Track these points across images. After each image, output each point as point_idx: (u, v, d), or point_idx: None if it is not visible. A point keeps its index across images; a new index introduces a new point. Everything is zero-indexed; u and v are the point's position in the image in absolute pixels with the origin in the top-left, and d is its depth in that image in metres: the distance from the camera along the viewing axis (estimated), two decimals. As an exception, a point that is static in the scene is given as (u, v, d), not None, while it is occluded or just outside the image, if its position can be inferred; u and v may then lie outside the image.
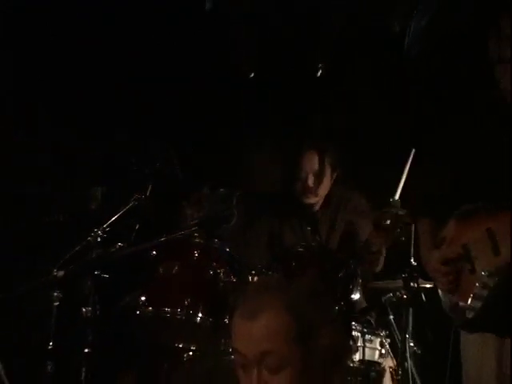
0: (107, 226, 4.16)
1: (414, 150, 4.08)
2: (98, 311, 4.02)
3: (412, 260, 4.02)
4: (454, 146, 3.42)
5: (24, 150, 5.35)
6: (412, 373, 4.10)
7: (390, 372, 4.08)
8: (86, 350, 3.96)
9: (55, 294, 4.08)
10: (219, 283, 3.92)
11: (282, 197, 4.81)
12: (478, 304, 3.08)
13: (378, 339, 4.16)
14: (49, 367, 4.01)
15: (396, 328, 4.20)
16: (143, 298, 3.96)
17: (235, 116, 5.70)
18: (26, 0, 5.69)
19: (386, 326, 4.27)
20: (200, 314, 3.87)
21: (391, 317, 4.27)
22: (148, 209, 4.26)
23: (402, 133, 4.70)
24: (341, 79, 5.34)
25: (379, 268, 4.48)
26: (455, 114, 3.65)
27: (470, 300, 3.09)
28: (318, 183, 4.61)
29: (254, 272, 3.88)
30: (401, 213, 4.00)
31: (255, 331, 1.98)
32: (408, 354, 3.99)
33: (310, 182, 4.59)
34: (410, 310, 4.03)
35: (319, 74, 5.02)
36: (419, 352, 4.32)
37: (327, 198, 4.68)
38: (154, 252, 4.10)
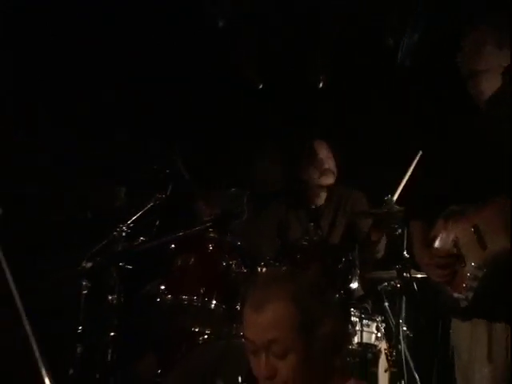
0: (131, 223, 4.15)
1: (420, 153, 4.06)
2: (123, 299, 4.01)
3: (405, 253, 4.01)
4: (440, 155, 3.41)
5: (62, 156, 5.12)
6: (405, 354, 4.10)
7: (385, 353, 4.05)
8: (112, 334, 3.96)
9: (84, 283, 4.07)
10: (231, 274, 3.93)
11: (288, 195, 4.74)
12: (470, 294, 3.05)
13: (374, 324, 4.14)
14: (78, 349, 3.99)
15: (390, 314, 4.20)
16: (163, 287, 3.98)
17: (242, 118, 5.54)
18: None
19: (382, 312, 4.25)
20: (214, 302, 3.87)
21: (386, 304, 4.25)
22: (167, 207, 4.23)
23: (400, 136, 4.63)
24: (341, 84, 5.26)
25: (380, 255, 4.47)
26: (442, 122, 3.61)
27: (463, 291, 3.06)
28: (332, 165, 4.60)
29: (262, 263, 3.86)
30: (396, 210, 3.99)
31: (262, 321, 2.01)
32: (401, 338, 4.02)
33: (327, 164, 4.58)
34: (403, 297, 4.06)
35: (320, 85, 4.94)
36: (411, 335, 4.31)
37: (329, 195, 4.63)
38: (173, 245, 4.11)
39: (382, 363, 4.04)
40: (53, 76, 5.39)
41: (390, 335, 4.09)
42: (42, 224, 4.70)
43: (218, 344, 3.78)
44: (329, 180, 4.59)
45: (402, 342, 4.03)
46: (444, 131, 3.51)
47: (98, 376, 3.97)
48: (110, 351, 3.93)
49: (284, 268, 3.79)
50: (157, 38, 5.62)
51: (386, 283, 4.26)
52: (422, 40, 4.44)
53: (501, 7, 3.70)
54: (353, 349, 3.87)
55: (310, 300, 2.02)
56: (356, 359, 3.87)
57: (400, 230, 4.04)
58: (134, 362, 4.07)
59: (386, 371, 4.02)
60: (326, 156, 4.59)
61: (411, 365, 4.22)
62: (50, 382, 2.43)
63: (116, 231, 4.10)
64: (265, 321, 1.99)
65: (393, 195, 4.12)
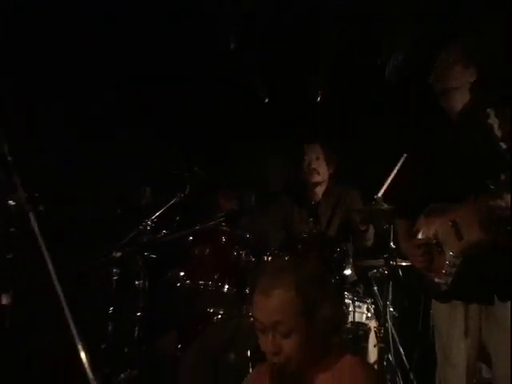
0: (155, 218, 4.15)
1: (404, 156, 4.04)
2: (147, 284, 4.05)
3: (391, 244, 3.99)
4: (420, 161, 3.41)
5: (98, 160, 4.99)
6: (391, 332, 4.12)
7: (374, 331, 4.03)
8: (138, 314, 4.00)
9: (114, 270, 4.09)
10: (241, 262, 3.93)
11: (292, 194, 4.68)
12: (449, 279, 3.07)
13: (365, 305, 4.14)
14: (109, 327, 3.99)
15: (379, 296, 4.19)
16: (182, 274, 3.98)
17: (246, 126, 5.36)
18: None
19: (371, 295, 4.24)
20: (226, 286, 3.87)
21: (375, 288, 4.24)
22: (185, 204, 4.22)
23: (390, 142, 4.57)
24: (339, 96, 5.16)
25: (370, 242, 4.43)
26: (423, 132, 3.60)
27: (442, 277, 3.08)
28: (319, 165, 4.51)
29: (268, 253, 3.84)
30: (383, 208, 4.00)
31: (270, 305, 2.02)
32: (388, 317, 4.00)
33: (314, 164, 4.51)
34: (390, 282, 4.02)
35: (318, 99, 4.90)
36: (397, 315, 4.29)
37: (327, 194, 4.58)
38: (191, 238, 4.09)
39: (372, 339, 4.02)
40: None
41: (378, 315, 4.08)
42: (80, 219, 4.68)
43: (229, 323, 3.77)
44: (314, 178, 4.53)
45: (389, 321, 4.03)
46: (424, 140, 3.49)
47: (126, 350, 3.99)
48: (136, 329, 3.97)
49: (287, 258, 3.78)
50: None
51: (375, 270, 4.24)
52: (406, 60, 4.38)
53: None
54: (346, 327, 3.85)
55: (310, 288, 2.03)
56: (349, 336, 3.85)
57: (387, 225, 4.02)
58: (158, 338, 4.06)
59: (375, 346, 3.99)
60: (313, 158, 4.51)
61: (397, 340, 4.22)
62: (86, 354, 2.41)
63: (142, 225, 4.11)
64: (272, 305, 2.01)
65: (380, 194, 4.09)
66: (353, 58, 4.90)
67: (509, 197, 2.87)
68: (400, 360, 4.21)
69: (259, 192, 4.72)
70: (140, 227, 4.10)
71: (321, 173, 4.51)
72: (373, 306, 4.14)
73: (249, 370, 3.27)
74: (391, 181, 4.09)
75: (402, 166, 3.89)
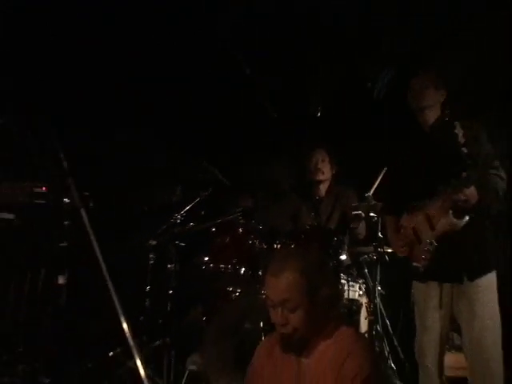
0: (184, 212, 4.16)
1: (385, 169, 4.04)
2: (178, 267, 4.06)
3: (379, 234, 3.99)
4: (402, 166, 3.43)
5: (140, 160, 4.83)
6: (379, 306, 4.10)
7: (365, 306, 4.06)
8: (170, 292, 4.01)
9: (151, 255, 4.14)
10: (255, 249, 3.89)
11: (299, 192, 4.63)
12: (425, 263, 3.11)
13: (357, 285, 4.11)
14: (147, 302, 4.05)
15: (369, 277, 4.15)
16: (206, 259, 3.95)
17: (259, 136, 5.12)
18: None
19: (363, 276, 4.21)
20: (243, 269, 3.85)
21: (366, 270, 4.21)
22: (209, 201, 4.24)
23: (380, 149, 4.48)
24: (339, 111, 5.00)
25: (362, 235, 4.38)
26: (404, 140, 3.58)
27: (421, 261, 3.13)
28: (323, 166, 4.47)
29: (277, 242, 3.82)
30: (373, 204, 4.00)
31: (279, 285, 2.02)
32: (377, 295, 4.01)
33: (319, 164, 4.47)
34: (378, 266, 4.02)
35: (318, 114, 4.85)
36: (384, 293, 4.25)
37: (329, 192, 4.53)
38: (213, 229, 4.06)
39: (363, 313, 4.03)
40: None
41: (368, 293, 4.07)
42: (125, 213, 4.67)
43: (245, 299, 3.75)
44: (319, 177, 4.48)
45: (377, 297, 4.02)
46: (404, 148, 3.49)
47: (160, 322, 4.00)
48: (169, 304, 3.99)
49: (293, 246, 3.74)
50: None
51: (365, 256, 4.21)
52: (391, 82, 4.33)
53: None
54: (342, 303, 3.83)
55: (313, 271, 2.03)
56: (345, 310, 3.84)
57: (376, 218, 4.02)
58: (186, 312, 4.05)
59: (365, 318, 4.02)
60: (319, 159, 4.47)
61: (384, 313, 4.19)
62: (127, 325, 2.42)
63: (173, 218, 4.12)
64: (281, 285, 2.01)
65: (371, 193, 4.08)
66: (348, 79, 4.82)
67: (467, 191, 2.93)
68: (386, 329, 4.19)
69: (270, 191, 4.69)
70: (172, 220, 4.11)
71: (325, 172, 4.47)
72: (364, 286, 4.12)
73: (261, 338, 3.27)
74: (379, 182, 4.09)
75: (387, 171, 3.87)
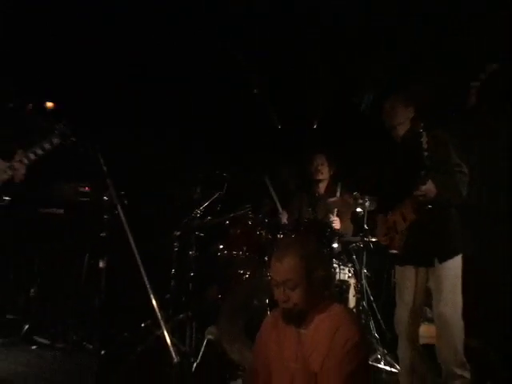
0: (202, 208, 4.15)
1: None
2: (198, 253, 4.06)
3: (365, 225, 3.99)
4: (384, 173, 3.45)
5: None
6: (365, 286, 4.08)
7: (353, 286, 4.03)
8: (192, 274, 4.01)
9: (175, 244, 4.13)
10: (262, 238, 3.89)
11: (303, 189, 4.60)
12: (401, 250, 3.14)
13: (347, 268, 4.10)
14: (172, 283, 4.05)
15: (357, 262, 4.10)
16: (221, 246, 3.95)
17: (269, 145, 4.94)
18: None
19: (351, 261, 4.17)
20: (252, 255, 3.86)
21: (354, 256, 4.16)
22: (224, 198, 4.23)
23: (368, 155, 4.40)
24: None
25: (349, 235, 4.36)
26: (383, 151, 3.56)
27: (398, 249, 3.16)
28: (323, 168, 4.43)
29: (281, 233, 3.83)
30: (359, 201, 4.00)
31: (282, 268, 2.02)
32: (363, 276, 4.00)
33: (319, 167, 4.43)
34: (364, 252, 4.01)
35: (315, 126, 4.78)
36: (369, 275, 4.24)
37: (327, 190, 4.47)
38: (227, 222, 4.06)
39: (351, 292, 4.01)
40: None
41: (356, 275, 4.05)
42: (153, 208, 4.66)
43: (254, 280, 3.74)
44: (319, 176, 4.44)
45: (363, 279, 4.00)
46: (383, 156, 3.49)
47: (183, 299, 4.00)
48: (190, 284, 3.99)
49: (294, 236, 3.75)
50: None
51: (354, 244, 4.17)
52: (376, 99, 4.27)
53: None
54: (334, 283, 3.84)
55: (310, 257, 2.03)
56: (336, 289, 3.84)
57: (362, 213, 4.01)
58: (205, 291, 4.04)
59: (353, 296, 4.00)
60: (319, 163, 4.44)
61: (369, 292, 4.17)
62: (156, 301, 2.43)
63: (194, 213, 4.11)
64: (283, 268, 2.01)
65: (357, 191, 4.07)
66: (340, 99, 4.71)
67: (423, 187, 2.96)
68: (370, 305, 4.16)
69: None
70: (193, 214, 4.11)
71: (323, 173, 4.44)
72: (352, 269, 4.10)
73: (267, 313, 3.26)
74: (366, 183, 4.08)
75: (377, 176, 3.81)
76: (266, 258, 3.72)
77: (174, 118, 4.79)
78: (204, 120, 4.85)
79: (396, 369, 3.62)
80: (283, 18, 4.27)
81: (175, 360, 2.26)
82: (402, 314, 3.18)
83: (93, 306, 2.44)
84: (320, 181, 4.46)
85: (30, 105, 4.79)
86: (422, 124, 3.10)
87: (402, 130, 3.24)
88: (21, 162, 2.97)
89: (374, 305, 4.21)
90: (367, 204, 3.96)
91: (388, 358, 3.78)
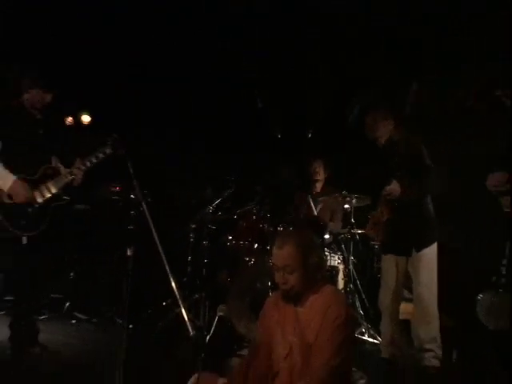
0: (214, 205, 4.12)
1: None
2: (210, 243, 4.03)
3: (352, 220, 3.95)
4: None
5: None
6: (352, 271, 4.05)
7: (342, 271, 4.01)
8: (205, 261, 3.98)
9: (191, 235, 4.11)
10: (265, 230, 3.85)
11: (301, 191, 4.50)
12: (381, 238, 3.18)
13: (336, 256, 4.08)
14: (188, 268, 4.03)
15: (345, 250, 4.07)
16: (230, 237, 3.92)
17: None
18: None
19: (340, 250, 4.15)
20: (256, 244, 3.82)
21: (343, 245, 4.13)
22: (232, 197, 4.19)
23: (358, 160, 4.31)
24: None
25: (337, 230, 4.29)
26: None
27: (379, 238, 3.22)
28: (319, 170, 4.39)
29: (280, 225, 3.79)
30: (347, 198, 3.96)
31: (282, 255, 1.99)
32: (350, 262, 3.97)
33: (317, 169, 4.38)
34: (351, 242, 3.98)
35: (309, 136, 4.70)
36: (355, 261, 4.21)
37: (322, 190, 4.41)
38: (235, 216, 4.04)
39: (341, 275, 3.99)
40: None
41: (344, 262, 4.02)
42: (173, 205, 4.60)
43: (258, 266, 3.71)
44: (316, 177, 4.41)
45: (351, 265, 3.97)
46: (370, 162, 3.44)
47: (198, 282, 3.97)
48: (204, 269, 3.96)
49: (291, 228, 3.73)
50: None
51: (342, 235, 4.16)
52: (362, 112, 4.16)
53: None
54: (326, 268, 3.80)
55: (306, 245, 2.01)
56: (328, 273, 3.82)
57: (350, 209, 3.97)
58: (216, 274, 4.00)
59: (342, 279, 3.97)
60: (317, 166, 4.40)
61: (355, 276, 4.14)
62: (175, 284, 2.41)
63: (207, 209, 4.09)
64: (283, 255, 1.98)
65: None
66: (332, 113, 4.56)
67: (388, 187, 2.99)
68: (356, 287, 4.14)
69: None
70: (206, 210, 4.08)
71: (320, 174, 4.40)
72: (341, 256, 4.07)
73: (269, 294, 3.24)
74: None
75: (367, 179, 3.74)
76: (268, 247, 3.70)
77: (191, 125, 4.65)
78: (216, 128, 4.76)
79: (378, 340, 3.61)
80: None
81: (191, 333, 2.24)
82: (385, 295, 3.18)
83: (122, 287, 2.41)
84: (317, 181, 4.43)
85: (70, 118, 4.81)
86: (399, 133, 3.08)
87: (383, 139, 3.21)
88: (79, 168, 3.04)
89: (360, 286, 4.19)
90: (354, 201, 3.93)
91: (371, 332, 3.77)
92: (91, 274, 4.35)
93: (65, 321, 3.87)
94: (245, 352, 3.10)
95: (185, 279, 3.98)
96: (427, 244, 3.04)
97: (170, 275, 2.43)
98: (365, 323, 3.85)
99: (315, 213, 4.13)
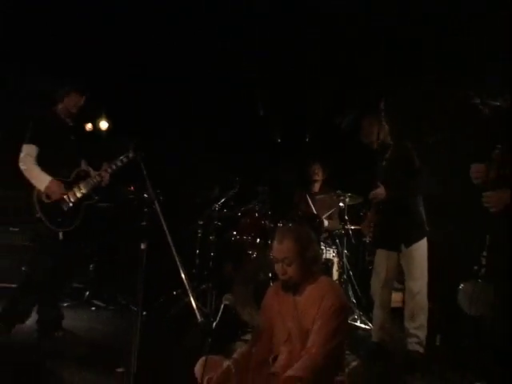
0: (220, 203, 4.10)
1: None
2: (216, 238, 4.02)
3: (346, 217, 3.96)
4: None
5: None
6: (346, 263, 4.05)
7: (337, 263, 4.00)
8: (212, 254, 3.97)
9: (199, 230, 4.10)
10: (266, 226, 3.85)
11: (301, 190, 4.48)
12: (371, 234, 3.14)
13: (331, 249, 4.07)
14: (197, 261, 4.01)
15: (339, 245, 4.07)
16: (234, 233, 3.91)
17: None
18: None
19: (335, 244, 4.14)
20: (258, 239, 3.81)
21: (337, 240, 4.12)
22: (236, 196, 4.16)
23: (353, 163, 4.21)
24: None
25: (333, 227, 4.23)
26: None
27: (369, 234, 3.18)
28: (318, 172, 4.36)
29: (280, 222, 3.77)
30: (342, 197, 3.96)
31: (281, 248, 1.99)
32: (344, 256, 3.95)
33: (316, 170, 4.35)
34: (345, 237, 3.98)
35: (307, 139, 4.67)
36: (348, 255, 4.21)
37: (321, 189, 4.38)
38: (239, 214, 4.02)
39: (335, 267, 3.98)
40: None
41: (338, 255, 4.02)
42: (182, 203, 4.54)
43: (260, 258, 3.71)
44: (315, 177, 4.38)
45: (344, 258, 3.97)
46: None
47: (205, 273, 3.97)
48: (211, 262, 3.95)
49: (291, 224, 3.68)
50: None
51: (337, 231, 4.15)
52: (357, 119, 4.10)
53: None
54: (322, 261, 3.75)
55: (304, 240, 2.00)
56: (323, 266, 3.79)
57: (344, 207, 3.96)
58: (222, 267, 4.00)
59: (336, 271, 3.97)
60: (316, 167, 4.37)
61: (348, 268, 4.13)
62: (185, 275, 2.41)
63: (213, 207, 4.07)
64: (282, 249, 1.98)
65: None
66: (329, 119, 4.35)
67: (373, 192, 2.99)
68: (350, 278, 4.13)
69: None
70: (212, 208, 4.07)
71: (319, 175, 4.39)
72: (335, 250, 4.07)
73: (270, 284, 3.24)
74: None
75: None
76: (269, 242, 3.69)
77: (190, 124, 4.50)
78: (216, 128, 4.63)
79: (369, 326, 3.60)
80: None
81: (199, 320, 2.25)
82: (377, 286, 3.18)
83: (136, 278, 2.42)
84: (316, 181, 4.42)
85: (90, 124, 4.81)
86: (391, 137, 3.06)
87: (376, 144, 3.20)
88: (106, 171, 3.13)
89: (352, 277, 4.19)
90: (347, 200, 3.93)
91: (363, 318, 3.77)
92: (109, 266, 4.37)
93: (85, 308, 3.91)
94: (248, 337, 3.11)
95: (194, 271, 3.98)
96: (417, 239, 3.03)
97: (180, 267, 2.44)
98: (357, 311, 3.85)
99: (313, 210, 4.13)
